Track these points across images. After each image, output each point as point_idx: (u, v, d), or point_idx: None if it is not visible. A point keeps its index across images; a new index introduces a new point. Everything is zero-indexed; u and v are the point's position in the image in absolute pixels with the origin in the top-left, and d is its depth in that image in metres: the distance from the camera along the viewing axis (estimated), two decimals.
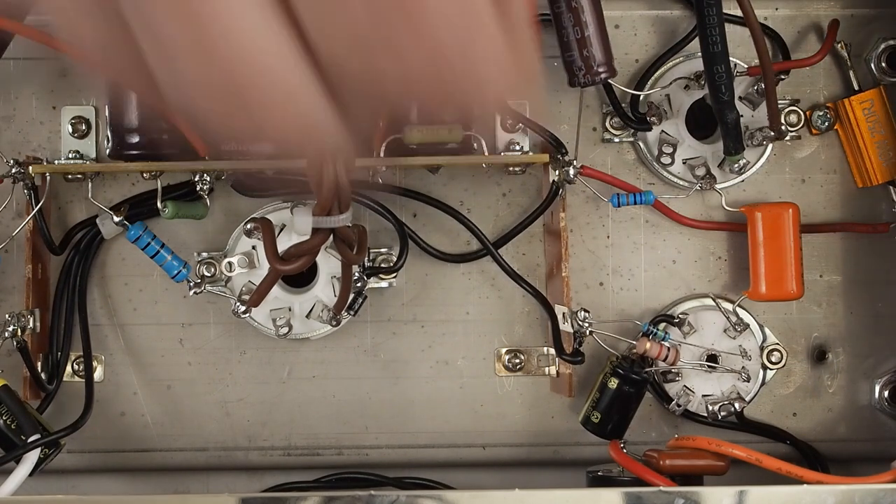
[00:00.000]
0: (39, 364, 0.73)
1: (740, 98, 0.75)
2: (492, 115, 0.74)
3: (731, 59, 0.70)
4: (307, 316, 0.74)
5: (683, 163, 0.76)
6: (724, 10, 0.69)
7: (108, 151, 0.72)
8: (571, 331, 0.72)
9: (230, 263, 0.73)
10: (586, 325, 0.72)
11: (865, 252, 0.77)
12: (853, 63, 0.76)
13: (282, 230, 0.73)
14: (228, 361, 0.76)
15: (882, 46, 0.76)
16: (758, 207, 0.74)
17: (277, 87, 0.35)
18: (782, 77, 0.76)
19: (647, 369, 0.73)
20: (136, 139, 0.71)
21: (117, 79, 0.41)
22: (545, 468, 0.77)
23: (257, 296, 0.68)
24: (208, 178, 0.72)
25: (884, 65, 0.76)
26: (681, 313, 0.76)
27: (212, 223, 0.76)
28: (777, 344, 0.76)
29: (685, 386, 0.75)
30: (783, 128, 0.74)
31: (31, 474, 0.66)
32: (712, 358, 0.76)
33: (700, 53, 0.70)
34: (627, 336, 0.75)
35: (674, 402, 0.75)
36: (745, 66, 0.74)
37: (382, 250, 0.75)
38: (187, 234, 0.75)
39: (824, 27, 0.76)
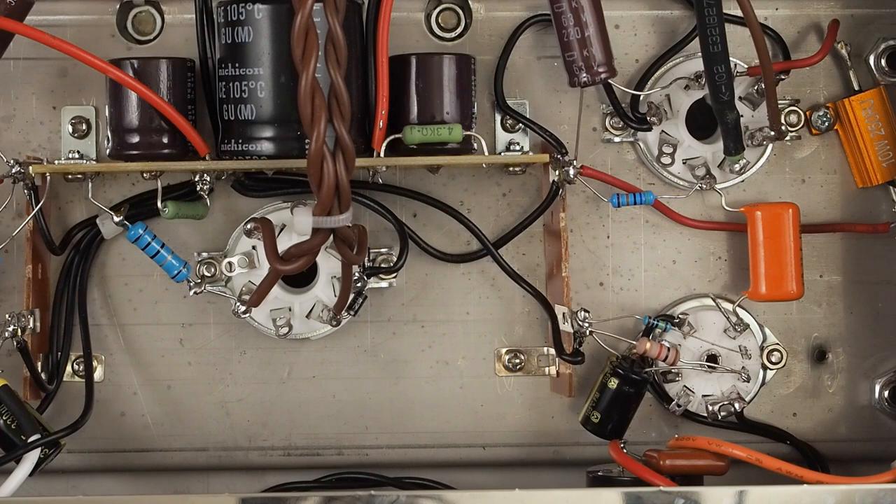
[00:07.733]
0: (39, 364, 0.73)
1: (740, 98, 0.75)
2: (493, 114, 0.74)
3: (731, 59, 0.70)
4: (307, 316, 0.74)
5: (683, 163, 0.76)
6: (724, 10, 0.69)
7: (108, 151, 0.72)
8: (571, 331, 0.72)
9: (230, 263, 0.73)
10: (586, 325, 0.72)
11: (865, 252, 0.77)
12: (853, 63, 0.76)
13: (282, 230, 0.73)
14: (228, 361, 0.76)
15: (882, 46, 0.76)
16: (758, 207, 0.74)
17: None
18: (782, 77, 0.76)
19: (647, 369, 0.73)
20: (136, 139, 0.71)
21: None
22: (545, 468, 0.77)
23: (257, 296, 0.68)
24: (208, 178, 0.72)
25: (884, 65, 0.76)
26: (681, 313, 0.76)
27: (212, 223, 0.76)
28: (777, 344, 0.76)
29: (685, 386, 0.75)
30: (783, 128, 0.74)
31: (31, 474, 0.66)
32: (712, 358, 0.76)
33: (700, 53, 0.70)
34: (627, 336, 0.75)
35: (674, 402, 0.75)
36: (745, 66, 0.74)
37: (382, 250, 0.75)
38: (187, 234, 0.75)
39: (824, 27, 0.76)
